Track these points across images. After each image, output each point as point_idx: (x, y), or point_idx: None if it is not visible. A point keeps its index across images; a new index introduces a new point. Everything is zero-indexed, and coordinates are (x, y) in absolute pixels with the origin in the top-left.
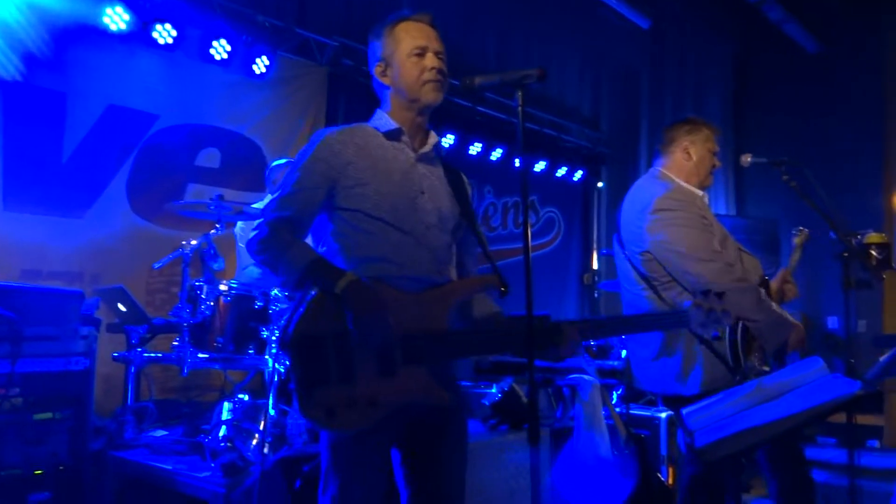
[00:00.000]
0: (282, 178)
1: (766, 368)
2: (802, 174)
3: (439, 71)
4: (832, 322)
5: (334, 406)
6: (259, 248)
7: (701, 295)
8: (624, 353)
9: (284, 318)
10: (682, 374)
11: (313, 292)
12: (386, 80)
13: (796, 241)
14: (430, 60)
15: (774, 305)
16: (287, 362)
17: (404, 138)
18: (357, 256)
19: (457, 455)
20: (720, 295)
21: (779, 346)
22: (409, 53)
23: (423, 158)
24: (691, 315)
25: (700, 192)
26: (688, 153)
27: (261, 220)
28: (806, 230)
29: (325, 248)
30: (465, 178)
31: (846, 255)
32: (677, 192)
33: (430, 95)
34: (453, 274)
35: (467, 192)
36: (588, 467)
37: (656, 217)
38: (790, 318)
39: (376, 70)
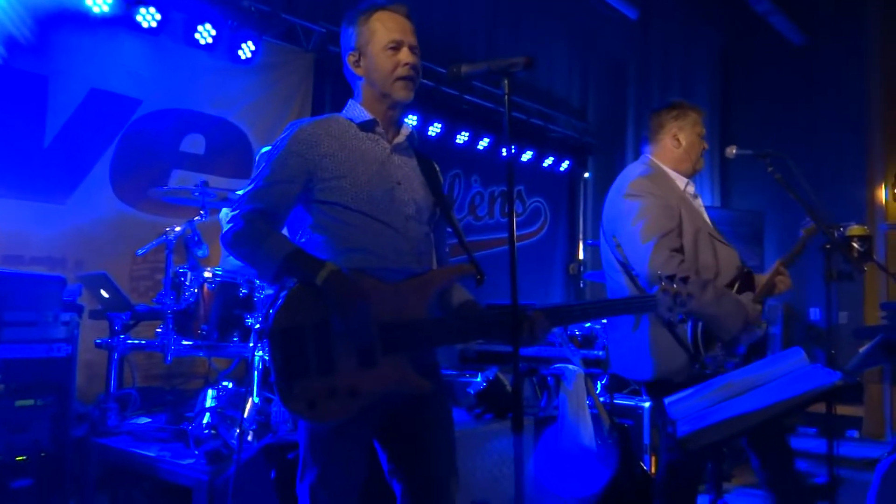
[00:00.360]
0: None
1: (736, 359)
2: (787, 166)
3: (412, 67)
4: (814, 314)
5: (315, 397)
6: (234, 241)
7: (666, 279)
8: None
9: (264, 309)
10: (640, 359)
11: (291, 283)
12: (359, 71)
13: (803, 233)
14: (405, 55)
15: (726, 297)
16: (267, 354)
17: (378, 129)
18: (337, 248)
19: (442, 441)
20: (685, 279)
21: (736, 335)
22: (383, 46)
23: (398, 149)
24: (658, 299)
25: (684, 180)
26: (677, 139)
27: (235, 212)
28: (814, 224)
29: (304, 240)
30: (437, 166)
31: (828, 247)
32: (651, 178)
33: (402, 93)
34: (433, 263)
35: (440, 182)
36: (568, 456)
37: (624, 202)
38: (744, 301)
39: (349, 59)
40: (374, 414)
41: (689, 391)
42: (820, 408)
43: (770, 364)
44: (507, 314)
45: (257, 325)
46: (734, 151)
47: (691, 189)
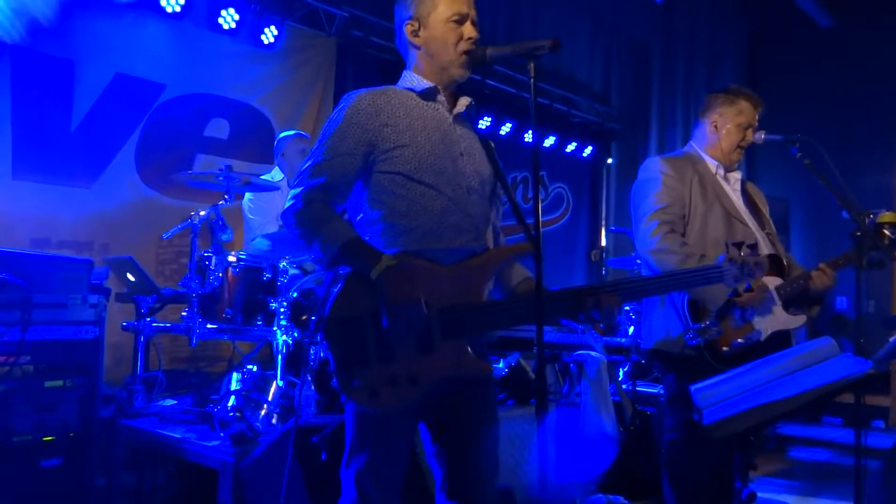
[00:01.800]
0: (290, 149)
1: (740, 339)
2: (816, 151)
3: (475, 42)
4: (841, 302)
5: (376, 386)
6: (294, 220)
7: (733, 247)
8: (631, 329)
9: (320, 297)
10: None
11: (345, 271)
12: (417, 41)
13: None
14: (469, 30)
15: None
16: (325, 343)
17: (440, 97)
18: (395, 225)
19: (487, 428)
20: (753, 246)
21: (723, 308)
22: (447, 18)
23: (458, 119)
24: (725, 269)
25: (715, 164)
26: (714, 126)
27: (296, 190)
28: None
29: (361, 216)
30: (493, 144)
31: (859, 234)
32: (667, 159)
33: (460, 71)
34: (489, 241)
35: (497, 159)
36: (589, 442)
37: (634, 184)
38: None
39: (407, 28)
40: (424, 399)
41: (716, 379)
42: (845, 397)
43: (798, 352)
44: (567, 294)
45: (283, 307)
46: (763, 137)
47: (723, 172)
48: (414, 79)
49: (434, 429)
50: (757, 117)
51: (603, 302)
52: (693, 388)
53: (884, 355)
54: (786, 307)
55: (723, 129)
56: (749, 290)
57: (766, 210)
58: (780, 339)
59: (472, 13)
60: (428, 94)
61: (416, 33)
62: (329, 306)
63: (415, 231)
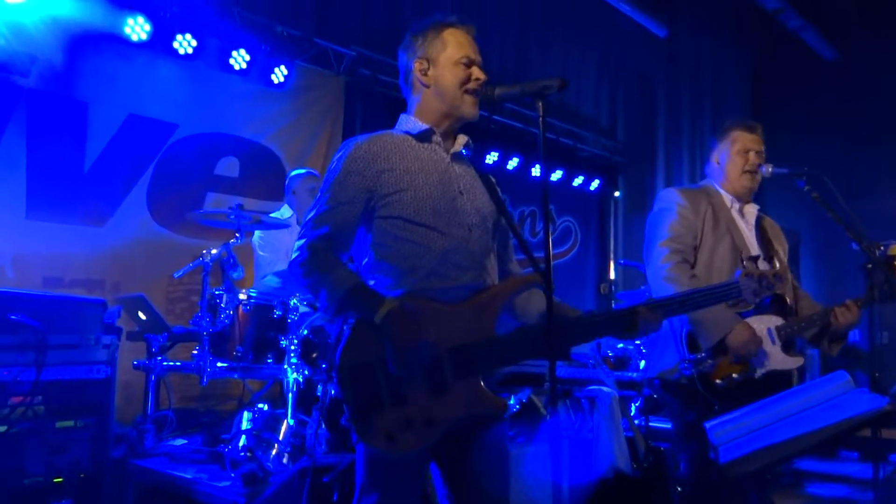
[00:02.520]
0: (300, 190)
1: (734, 375)
2: (824, 184)
3: (482, 84)
4: (853, 335)
5: (393, 430)
6: (301, 270)
7: (749, 261)
8: (642, 363)
9: (330, 345)
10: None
11: (353, 318)
12: (426, 80)
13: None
14: (477, 72)
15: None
16: (338, 391)
17: (436, 138)
18: (399, 268)
19: (499, 465)
20: (770, 258)
21: (714, 344)
22: (457, 59)
23: (456, 158)
24: (743, 284)
25: (730, 198)
26: (717, 162)
27: (301, 241)
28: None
29: (366, 260)
30: (493, 179)
31: (870, 266)
32: (682, 190)
33: (471, 109)
34: (494, 276)
35: (499, 193)
36: (602, 477)
37: (649, 214)
38: (736, 322)
39: (417, 66)
40: (436, 438)
41: (731, 415)
42: (862, 431)
43: (814, 388)
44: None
45: (293, 345)
46: (770, 170)
47: (738, 207)
48: (410, 122)
49: (446, 469)
50: (756, 140)
51: (644, 318)
52: (708, 425)
53: None
54: (786, 348)
55: (724, 161)
56: (770, 302)
57: (781, 247)
58: (779, 379)
59: (479, 59)
60: (423, 136)
61: (425, 72)
62: (339, 354)
63: (418, 271)
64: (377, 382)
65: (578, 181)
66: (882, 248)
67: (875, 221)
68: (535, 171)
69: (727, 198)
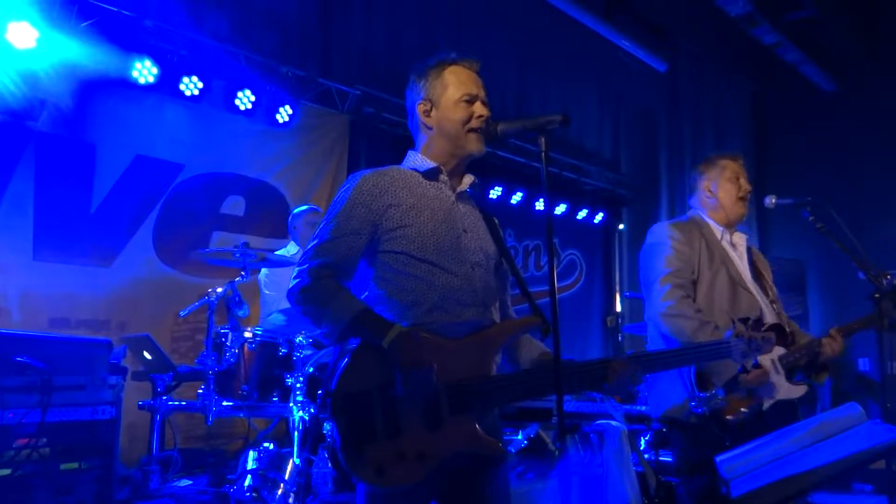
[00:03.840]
0: (302, 225)
1: (743, 409)
2: (828, 214)
3: (485, 120)
4: (864, 364)
5: (383, 462)
6: (301, 298)
7: (740, 322)
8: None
9: (327, 373)
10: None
11: (353, 345)
12: (429, 121)
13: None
14: (480, 108)
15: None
16: (332, 418)
17: (442, 177)
18: (402, 302)
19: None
20: (758, 320)
21: (728, 381)
22: (458, 99)
23: (461, 197)
24: (733, 345)
25: (721, 229)
26: (708, 191)
27: (302, 267)
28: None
29: (367, 294)
30: (496, 220)
31: (878, 296)
32: (675, 224)
33: (475, 146)
34: (496, 315)
35: (501, 234)
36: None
37: (643, 248)
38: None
39: (420, 109)
40: (436, 475)
41: (742, 449)
42: (876, 464)
43: (825, 420)
44: (556, 368)
45: (299, 383)
46: (774, 201)
47: (728, 237)
48: (418, 159)
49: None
50: (741, 168)
51: (618, 374)
52: (718, 459)
53: None
54: (788, 376)
55: (717, 188)
56: (756, 366)
57: (769, 276)
58: (785, 408)
59: (482, 94)
60: (431, 174)
61: (428, 114)
62: (336, 380)
63: (421, 306)
64: (373, 411)
65: (583, 214)
66: (889, 277)
67: (879, 251)
68: (539, 204)
69: (717, 229)
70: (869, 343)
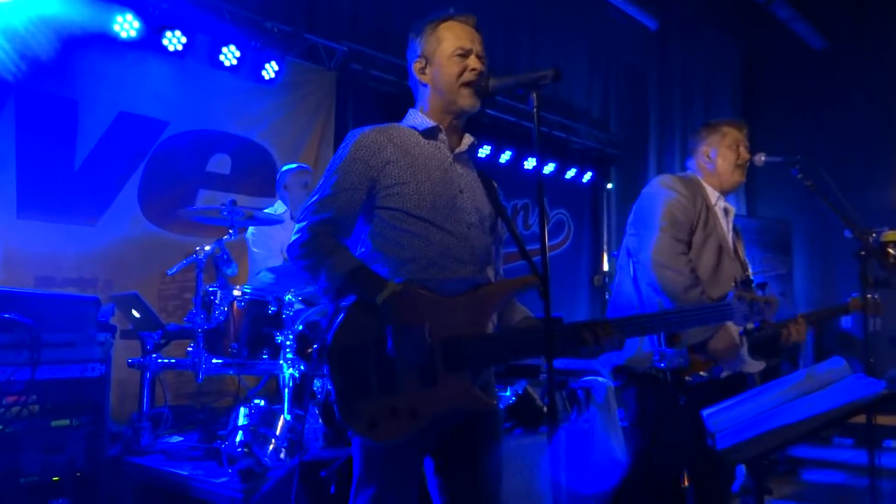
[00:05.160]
0: (293, 182)
1: (702, 373)
2: (817, 172)
3: (480, 73)
4: (846, 321)
5: (376, 416)
6: (300, 252)
7: (742, 285)
8: None
9: (323, 327)
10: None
11: (351, 300)
12: (424, 78)
13: (850, 303)
14: (473, 61)
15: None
16: (327, 372)
17: (441, 136)
18: (398, 257)
19: (493, 461)
20: (762, 285)
21: (697, 343)
22: (451, 53)
23: (459, 158)
24: (735, 307)
25: (716, 195)
26: (707, 156)
27: (301, 223)
28: (859, 301)
29: (363, 250)
30: (495, 183)
31: (863, 253)
32: (680, 178)
33: (468, 100)
34: (491, 274)
35: (498, 196)
36: (599, 467)
37: (646, 195)
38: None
39: (415, 66)
40: (431, 432)
41: (728, 402)
42: (856, 417)
43: (810, 374)
44: (567, 328)
45: (289, 340)
46: (763, 159)
47: (722, 204)
48: (418, 118)
49: (440, 463)
50: (744, 136)
51: (607, 336)
52: (705, 412)
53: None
54: (749, 351)
55: (716, 155)
56: (758, 328)
57: (742, 252)
58: (738, 380)
59: (477, 48)
60: (430, 133)
61: (423, 71)
62: (331, 335)
63: (418, 261)
64: (367, 367)
65: (571, 173)
66: (875, 235)
67: (868, 207)
68: (528, 163)
69: (712, 194)
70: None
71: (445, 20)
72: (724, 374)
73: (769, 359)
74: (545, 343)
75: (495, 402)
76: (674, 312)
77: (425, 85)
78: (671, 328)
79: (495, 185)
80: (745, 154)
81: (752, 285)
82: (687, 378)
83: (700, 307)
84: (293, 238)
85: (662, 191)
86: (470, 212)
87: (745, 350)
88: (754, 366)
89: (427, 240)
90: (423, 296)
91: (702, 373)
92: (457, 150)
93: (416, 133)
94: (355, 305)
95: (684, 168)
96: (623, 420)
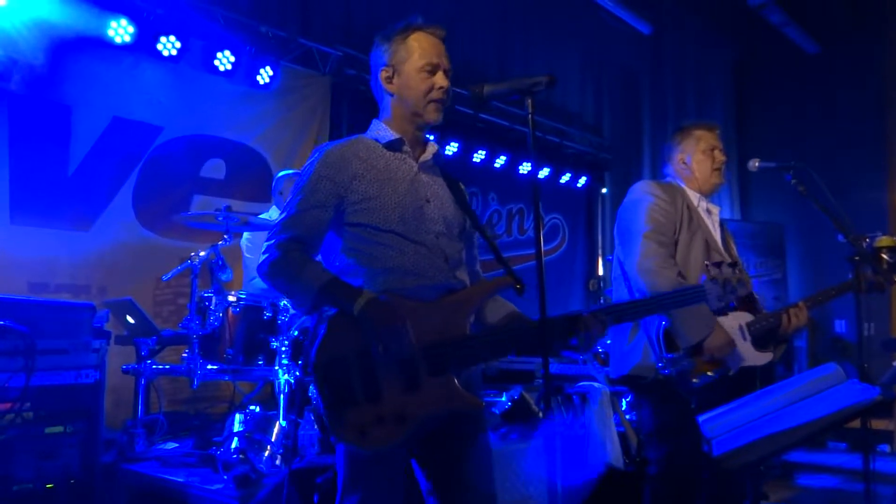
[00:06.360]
0: (287, 191)
1: (709, 373)
2: (810, 177)
3: (446, 91)
4: (840, 326)
5: (365, 425)
6: (270, 271)
7: (714, 266)
8: None
9: (306, 341)
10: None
11: (329, 313)
12: (391, 88)
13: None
14: (440, 79)
15: (699, 308)
16: (314, 385)
17: (405, 148)
18: (372, 269)
19: (481, 461)
20: (733, 265)
21: (691, 345)
22: (420, 68)
23: (424, 167)
24: (708, 289)
25: (697, 196)
26: (683, 162)
27: (270, 242)
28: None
29: (338, 265)
30: (462, 185)
31: (857, 258)
32: (659, 183)
33: (434, 115)
34: (465, 277)
35: (467, 198)
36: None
37: (626, 202)
38: (714, 324)
39: (382, 74)
40: (416, 434)
41: (724, 408)
42: (851, 422)
43: (805, 380)
44: (550, 323)
45: (284, 346)
46: (757, 164)
47: (704, 205)
48: (381, 129)
49: (425, 465)
50: (718, 138)
51: (587, 328)
52: (701, 418)
53: (888, 379)
54: (755, 344)
55: (691, 160)
56: (733, 307)
57: (734, 250)
58: (747, 375)
59: (444, 63)
60: (393, 146)
61: (390, 80)
62: (315, 348)
63: (394, 272)
64: (352, 377)
65: (566, 178)
66: (868, 240)
67: (860, 210)
68: (523, 168)
69: (694, 196)
70: (846, 305)
71: (415, 31)
72: (733, 371)
73: (776, 348)
74: (542, 346)
75: (480, 400)
76: (649, 298)
77: (391, 94)
78: (650, 312)
79: (462, 187)
80: (720, 157)
81: (724, 265)
82: (694, 381)
83: (673, 292)
84: (262, 258)
85: (642, 196)
86: (437, 221)
87: (748, 343)
88: (761, 358)
89: (400, 251)
90: (400, 303)
91: (709, 373)
92: (421, 160)
93: (380, 146)
94: (336, 316)
95: (663, 175)
96: (619, 426)
